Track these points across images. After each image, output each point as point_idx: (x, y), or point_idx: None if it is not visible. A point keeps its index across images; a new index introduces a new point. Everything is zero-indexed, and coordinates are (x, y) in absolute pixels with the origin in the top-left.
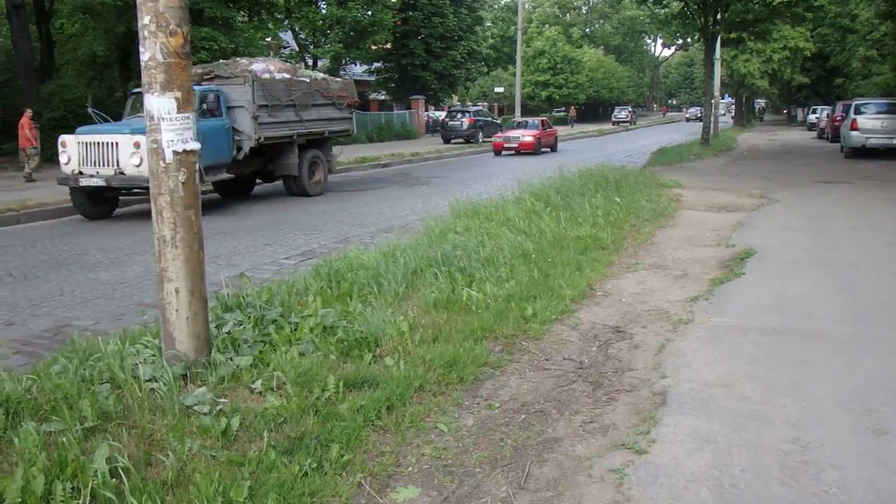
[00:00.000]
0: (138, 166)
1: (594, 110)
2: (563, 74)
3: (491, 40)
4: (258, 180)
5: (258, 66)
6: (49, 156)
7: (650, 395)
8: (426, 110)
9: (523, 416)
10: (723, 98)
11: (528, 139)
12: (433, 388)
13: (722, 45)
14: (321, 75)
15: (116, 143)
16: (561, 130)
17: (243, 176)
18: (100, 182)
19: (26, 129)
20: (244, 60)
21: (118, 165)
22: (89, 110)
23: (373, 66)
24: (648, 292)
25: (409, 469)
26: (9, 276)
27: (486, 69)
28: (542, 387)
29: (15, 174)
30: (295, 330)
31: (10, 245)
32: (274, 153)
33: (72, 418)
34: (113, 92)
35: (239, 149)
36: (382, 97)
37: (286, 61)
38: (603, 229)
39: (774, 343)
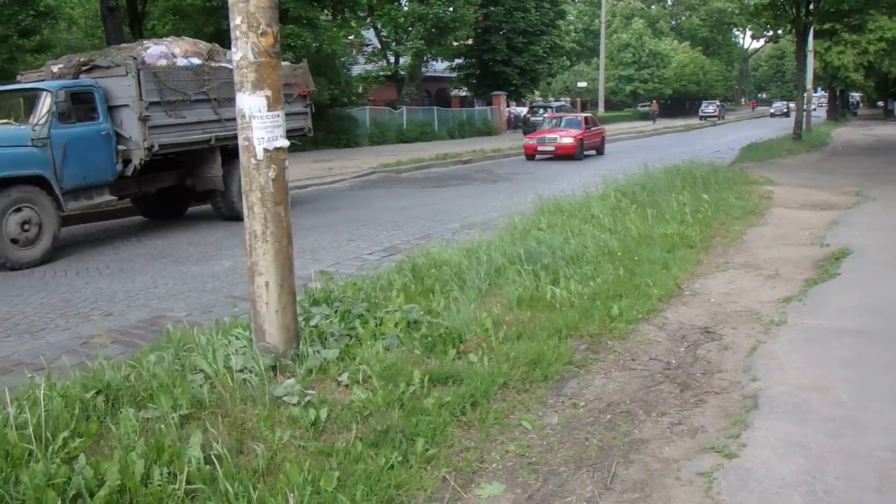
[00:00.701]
0: None
1: (680, 105)
2: (649, 69)
3: (574, 34)
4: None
5: (156, 49)
6: None
7: (740, 398)
8: (507, 106)
9: (609, 416)
10: (815, 91)
11: (568, 141)
12: (517, 385)
13: (814, 37)
14: None
15: None
16: (643, 126)
17: (160, 194)
18: None
19: None
20: (149, 42)
21: None
22: None
23: (454, 63)
24: (738, 292)
25: (494, 465)
26: (106, 269)
27: (568, 64)
28: (629, 387)
29: None
30: (380, 324)
31: (107, 239)
32: (193, 163)
33: (167, 406)
34: None
35: (126, 161)
36: (464, 93)
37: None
38: (691, 227)
39: (870, 347)
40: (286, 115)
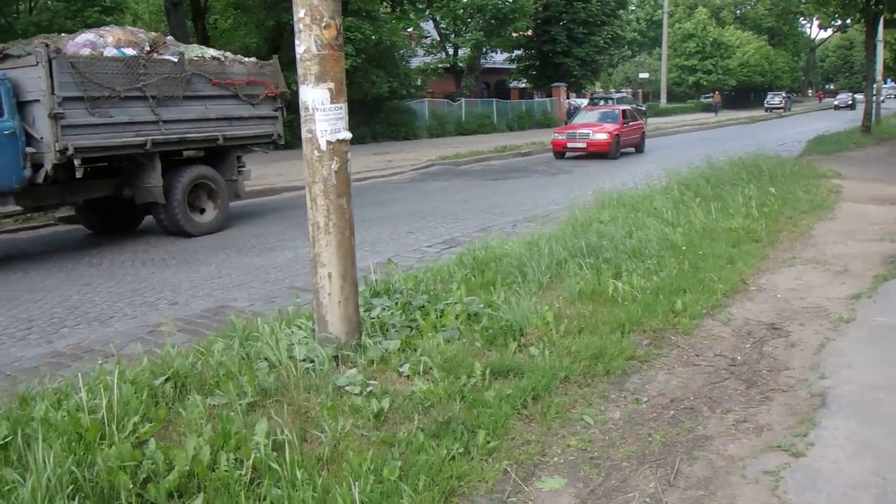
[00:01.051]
0: None
1: (744, 96)
2: (712, 59)
3: (636, 24)
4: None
5: (83, 37)
6: None
7: (808, 396)
8: (567, 98)
9: (672, 412)
10: (885, 83)
11: (602, 137)
12: (579, 379)
13: (885, 26)
14: (212, 52)
15: None
16: (706, 118)
17: (107, 204)
18: None
19: None
20: (88, 32)
21: None
22: None
23: (513, 54)
24: (806, 288)
25: (555, 459)
26: (172, 259)
27: (630, 54)
28: (692, 383)
29: None
30: (440, 316)
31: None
32: (131, 171)
33: (233, 393)
34: None
35: (37, 166)
36: (523, 85)
37: (157, 32)
38: (756, 221)
39: None
40: (251, 118)
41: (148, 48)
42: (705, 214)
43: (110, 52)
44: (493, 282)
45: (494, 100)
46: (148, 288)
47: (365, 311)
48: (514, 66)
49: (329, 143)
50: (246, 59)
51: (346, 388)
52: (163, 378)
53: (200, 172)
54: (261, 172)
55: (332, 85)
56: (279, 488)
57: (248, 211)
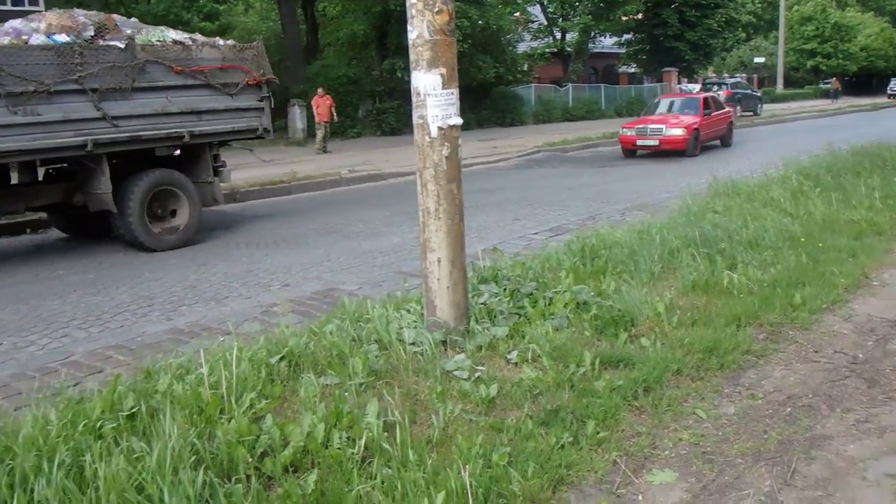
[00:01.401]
0: None
1: (866, 82)
2: (832, 42)
3: (751, 6)
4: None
5: (9, 24)
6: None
7: None
8: (679, 83)
9: (789, 409)
10: None
11: (676, 133)
12: (691, 372)
13: None
14: (174, 35)
15: None
16: (824, 105)
17: (81, 208)
18: None
19: (322, 105)
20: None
21: None
22: None
23: (623, 38)
24: None
25: (666, 453)
26: (283, 242)
27: (744, 38)
28: (811, 380)
29: (278, 149)
30: (549, 304)
31: (282, 214)
32: (83, 175)
33: (345, 374)
34: (370, 70)
35: None
36: (632, 70)
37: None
38: (880, 213)
39: None
40: (228, 111)
41: (92, 33)
42: (825, 205)
43: (37, 39)
44: (602, 270)
45: (603, 85)
46: (261, 269)
47: (473, 296)
48: (623, 50)
49: (440, 128)
50: (222, 42)
51: (455, 372)
52: (278, 357)
53: (162, 177)
54: (366, 158)
55: (443, 70)
56: (389, 468)
57: (354, 196)
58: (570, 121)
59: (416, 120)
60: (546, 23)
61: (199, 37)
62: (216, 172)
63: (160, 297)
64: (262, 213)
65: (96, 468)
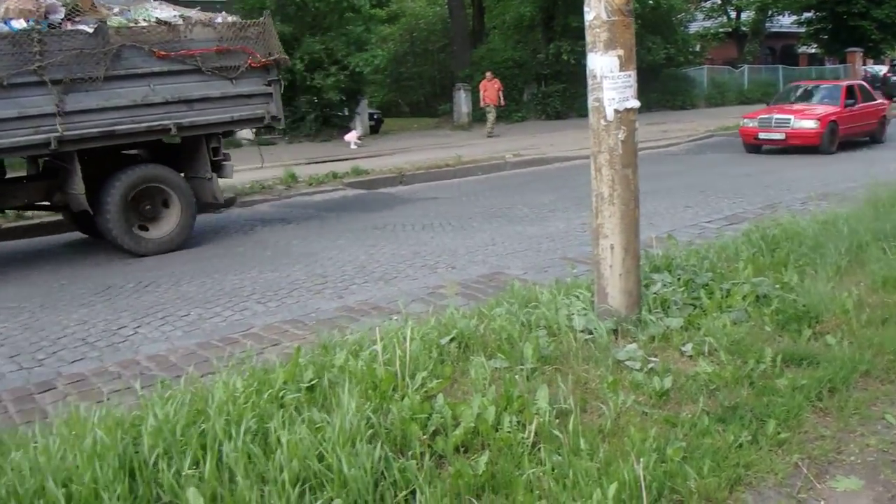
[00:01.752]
0: None
1: None
2: None
3: None
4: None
5: None
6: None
7: None
8: (864, 64)
9: None
10: None
11: (809, 125)
12: (881, 374)
13: None
14: (157, 13)
15: None
16: None
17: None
18: None
19: (490, 89)
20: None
21: None
22: None
23: (802, 17)
24: None
25: (851, 458)
26: (449, 225)
27: None
28: None
29: (443, 133)
30: (726, 296)
31: (450, 198)
32: (62, 173)
33: (514, 358)
34: (536, 53)
35: None
36: (812, 50)
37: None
38: None
39: None
40: (226, 98)
41: (60, 17)
42: None
43: None
44: (784, 262)
45: (780, 66)
46: (428, 251)
47: (645, 285)
48: (803, 29)
49: (616, 111)
50: (220, 19)
51: (626, 362)
52: (448, 338)
53: (146, 173)
54: (531, 142)
55: (621, 52)
56: (559, 455)
57: (518, 181)
58: (745, 104)
59: (591, 103)
60: (720, 1)
61: (193, 14)
62: (216, 167)
63: (332, 276)
64: (428, 196)
65: (278, 435)
